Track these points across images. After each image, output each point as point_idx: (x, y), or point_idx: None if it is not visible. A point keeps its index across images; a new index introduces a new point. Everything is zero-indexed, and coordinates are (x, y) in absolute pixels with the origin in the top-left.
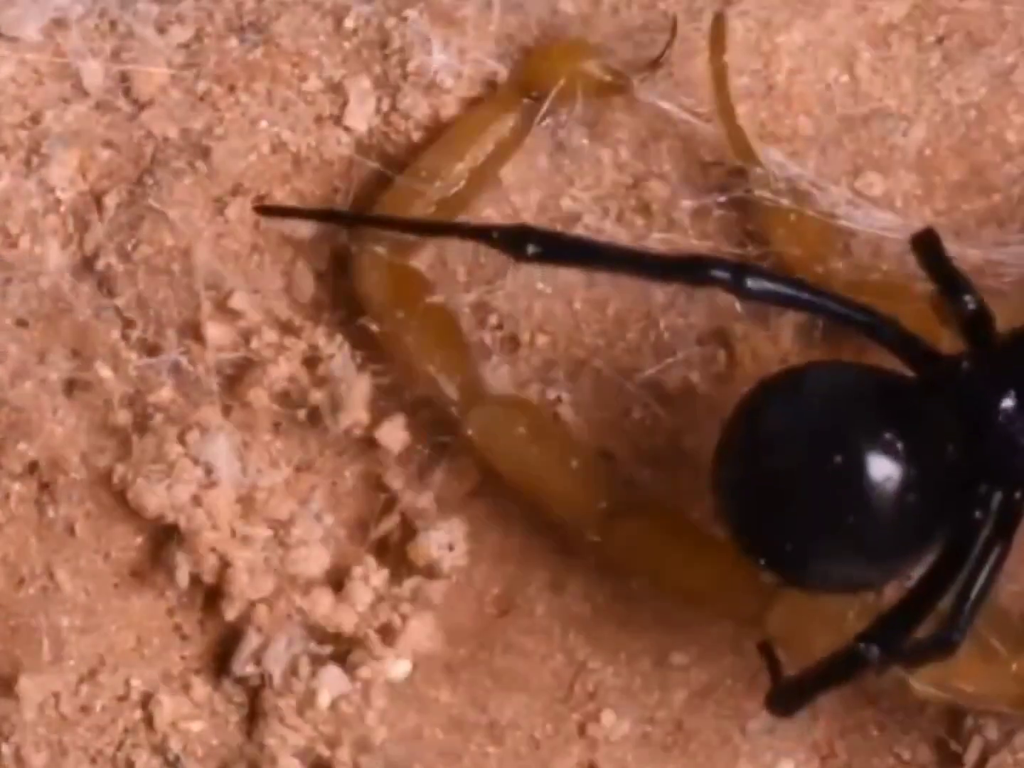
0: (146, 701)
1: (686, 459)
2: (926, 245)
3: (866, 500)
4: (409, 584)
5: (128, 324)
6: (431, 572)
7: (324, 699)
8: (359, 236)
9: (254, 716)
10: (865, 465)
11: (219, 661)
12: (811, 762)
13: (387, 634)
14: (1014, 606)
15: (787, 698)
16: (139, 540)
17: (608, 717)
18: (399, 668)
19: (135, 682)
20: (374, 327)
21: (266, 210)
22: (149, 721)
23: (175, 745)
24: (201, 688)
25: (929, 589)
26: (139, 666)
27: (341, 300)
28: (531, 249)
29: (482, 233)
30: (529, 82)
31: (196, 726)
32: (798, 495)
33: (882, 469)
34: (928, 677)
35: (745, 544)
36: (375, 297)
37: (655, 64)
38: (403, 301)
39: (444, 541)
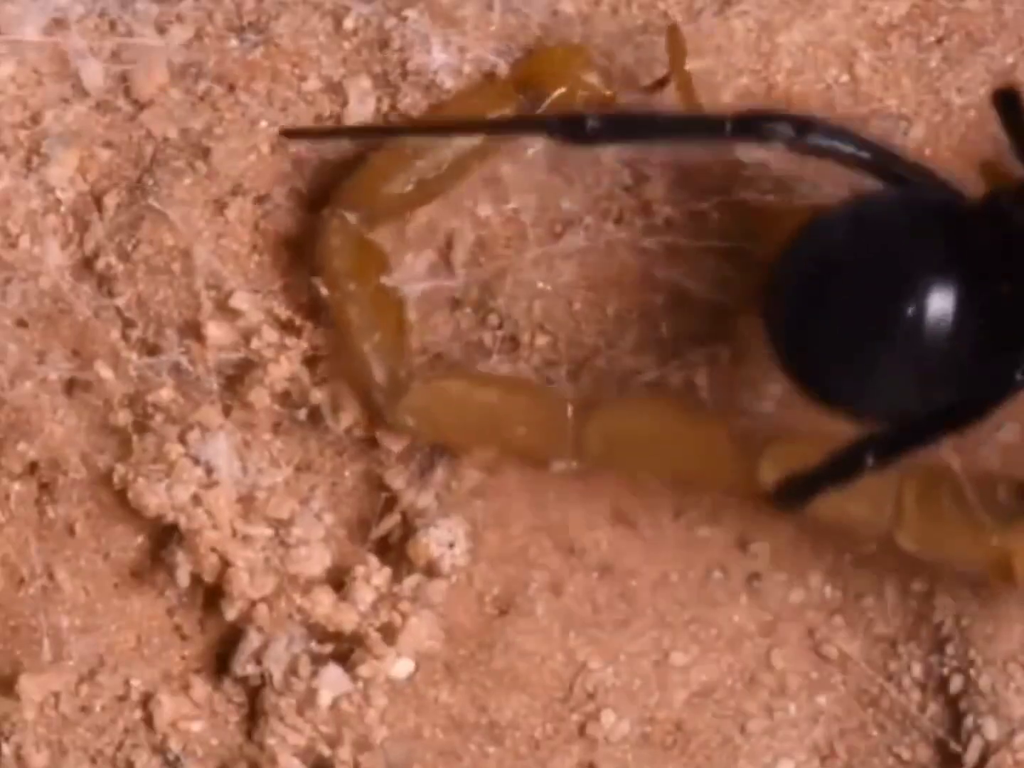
0: (146, 701)
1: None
2: (1007, 101)
3: (922, 329)
4: (409, 583)
5: (128, 324)
6: (431, 570)
7: (325, 698)
8: (336, 202)
9: (254, 716)
10: (921, 294)
11: (219, 661)
12: (811, 762)
13: (388, 633)
14: (1006, 483)
15: (793, 491)
16: (139, 540)
17: (608, 717)
18: (401, 667)
19: (135, 682)
20: (323, 291)
21: (290, 133)
22: (149, 721)
23: (175, 745)
24: (201, 688)
25: (936, 427)
26: (139, 666)
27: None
28: (591, 128)
29: (538, 124)
30: (527, 82)
31: (196, 726)
32: (853, 320)
33: (938, 299)
34: (916, 533)
35: (797, 370)
36: (333, 262)
37: (656, 87)
38: (359, 274)
39: (444, 539)
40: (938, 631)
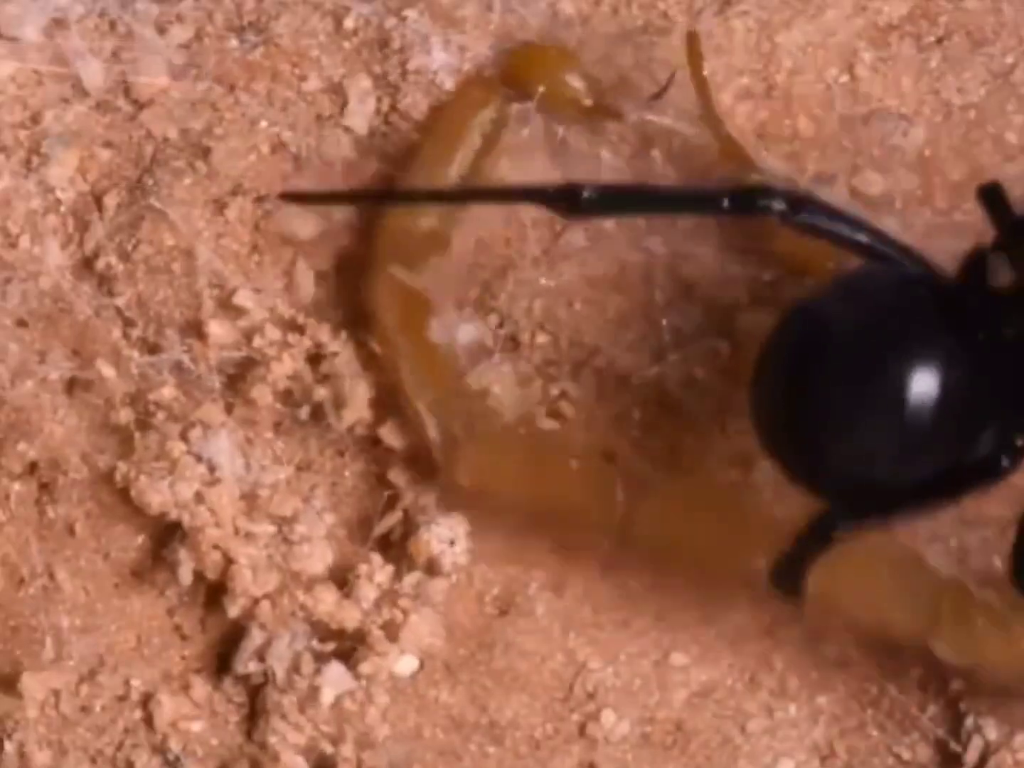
0: (146, 701)
1: (686, 459)
2: (991, 196)
3: (919, 412)
4: (410, 580)
5: (128, 324)
6: (432, 568)
7: (327, 696)
8: (377, 251)
9: (254, 715)
10: (909, 380)
11: (219, 660)
12: (811, 762)
13: (390, 630)
14: None
15: (782, 574)
16: (139, 540)
17: (608, 717)
18: (404, 664)
19: (135, 682)
20: (376, 348)
21: (290, 197)
22: (149, 721)
23: (175, 745)
24: (201, 688)
25: (920, 501)
26: (139, 666)
27: (344, 300)
28: (585, 202)
29: (533, 194)
30: (512, 79)
31: (196, 726)
32: (846, 407)
33: (926, 385)
34: (952, 643)
35: (787, 466)
36: (383, 319)
37: (656, 97)
38: (407, 328)
39: (445, 537)
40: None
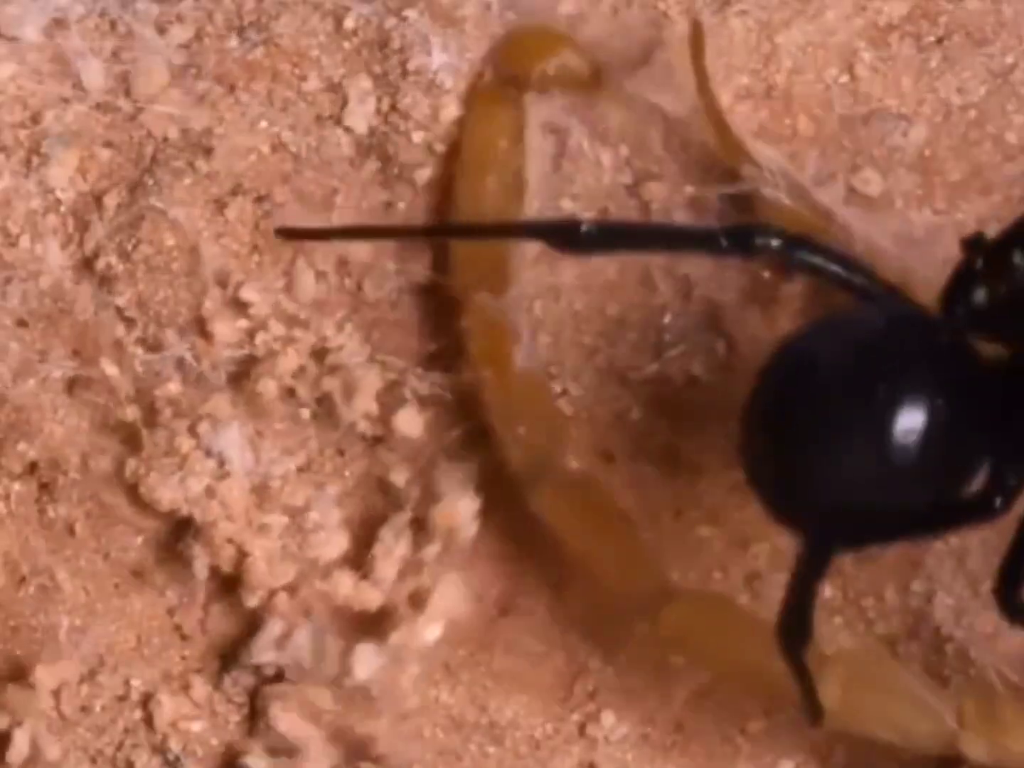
0: (146, 701)
1: (685, 459)
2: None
3: (899, 458)
4: (430, 549)
5: (129, 324)
6: (451, 537)
7: (358, 676)
8: (457, 278)
9: (255, 715)
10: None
11: (220, 660)
12: (811, 763)
13: (416, 601)
14: None
15: (792, 626)
16: (139, 540)
17: (608, 717)
18: (431, 633)
19: (135, 682)
20: (467, 376)
21: (284, 232)
22: (149, 721)
23: (175, 745)
24: (201, 688)
25: (910, 535)
26: (139, 666)
27: (345, 298)
28: (584, 238)
29: (532, 230)
30: (503, 69)
31: (196, 726)
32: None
33: (914, 422)
34: (984, 743)
35: (777, 510)
36: (470, 346)
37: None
38: (494, 358)
39: (470, 509)
40: (938, 631)
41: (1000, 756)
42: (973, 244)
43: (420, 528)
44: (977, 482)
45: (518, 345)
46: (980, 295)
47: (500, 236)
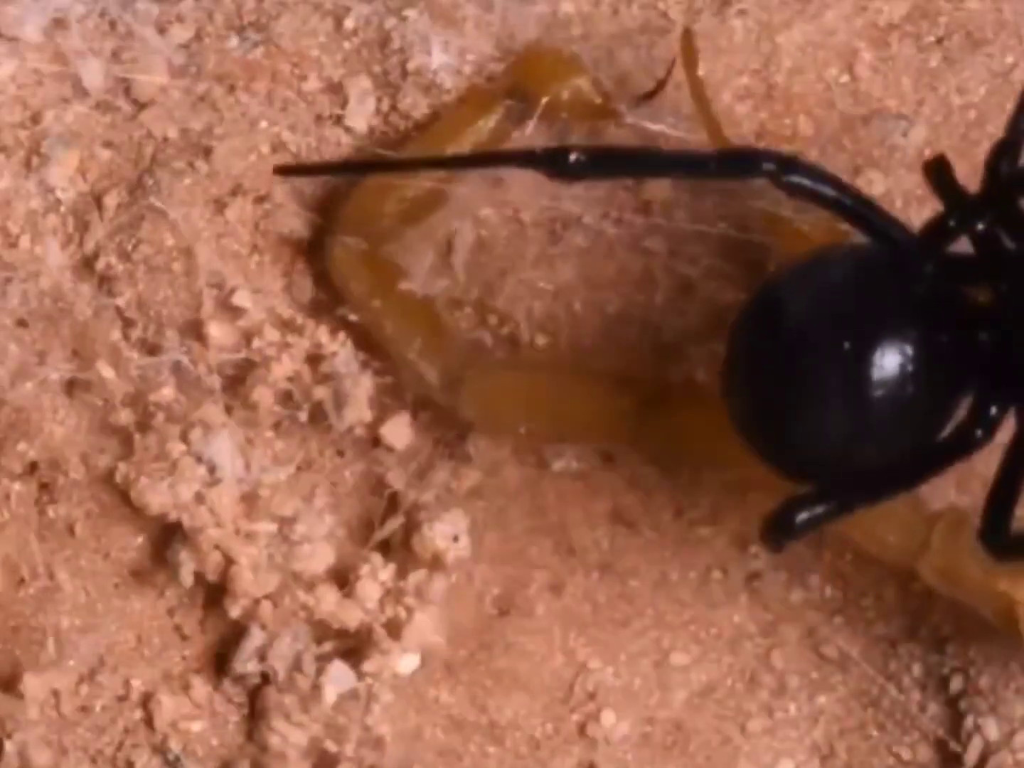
0: (146, 701)
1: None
2: (937, 170)
3: (878, 396)
4: (415, 577)
5: (128, 324)
6: (436, 564)
7: (329, 695)
8: (333, 228)
9: (254, 716)
10: (877, 359)
11: (219, 661)
12: (811, 762)
13: (393, 628)
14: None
15: (772, 534)
16: (139, 540)
17: (608, 717)
18: (407, 663)
19: (135, 682)
20: (353, 317)
21: (283, 170)
22: (149, 721)
23: (175, 745)
24: (201, 688)
25: (896, 477)
26: (139, 666)
27: (342, 301)
28: (575, 162)
29: (521, 157)
30: (516, 87)
31: (196, 726)
32: (814, 390)
33: (895, 362)
34: (938, 568)
35: (758, 448)
36: (351, 288)
37: (649, 96)
38: (378, 290)
39: (448, 533)
40: (938, 631)
41: (950, 587)
42: (934, 168)
43: (408, 549)
44: (958, 416)
45: (405, 280)
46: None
47: (491, 165)
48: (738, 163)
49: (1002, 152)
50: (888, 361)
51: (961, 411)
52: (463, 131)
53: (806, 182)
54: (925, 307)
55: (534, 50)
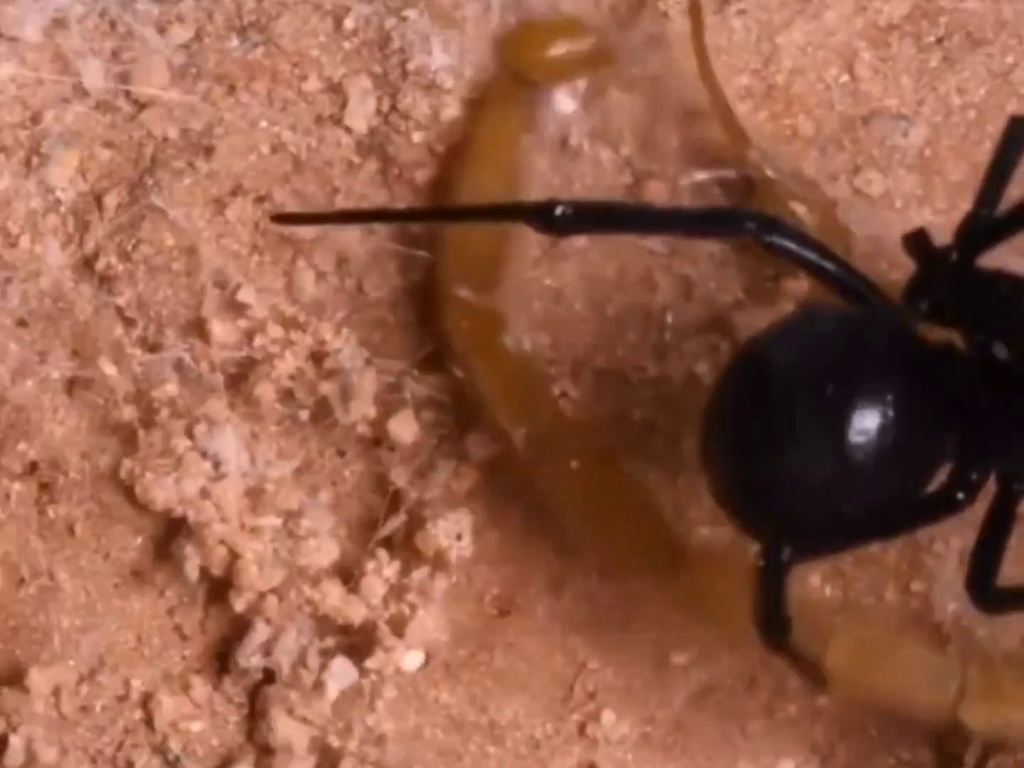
0: (146, 701)
1: (686, 459)
2: (916, 241)
3: (860, 465)
4: (418, 575)
5: (129, 323)
6: (439, 562)
7: (332, 691)
8: (442, 272)
9: (254, 715)
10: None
11: (220, 661)
12: (811, 762)
13: (397, 625)
14: None
15: (769, 624)
16: (139, 540)
17: (608, 717)
18: (410, 660)
19: (135, 682)
20: (457, 372)
21: (279, 218)
22: (149, 721)
23: (175, 745)
24: (201, 688)
25: (872, 533)
26: (139, 666)
27: (344, 299)
28: (560, 219)
29: (512, 211)
30: (515, 68)
31: (196, 726)
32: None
33: (873, 431)
34: (982, 713)
35: (739, 519)
36: (457, 344)
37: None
38: (481, 349)
39: (452, 531)
40: (938, 631)
41: (1000, 725)
42: (914, 241)
43: (411, 547)
44: (939, 479)
45: (506, 333)
46: (940, 292)
47: (485, 218)
48: (720, 221)
49: (969, 224)
50: (868, 423)
51: (943, 475)
52: (498, 132)
53: (787, 244)
54: (904, 371)
55: (520, 26)
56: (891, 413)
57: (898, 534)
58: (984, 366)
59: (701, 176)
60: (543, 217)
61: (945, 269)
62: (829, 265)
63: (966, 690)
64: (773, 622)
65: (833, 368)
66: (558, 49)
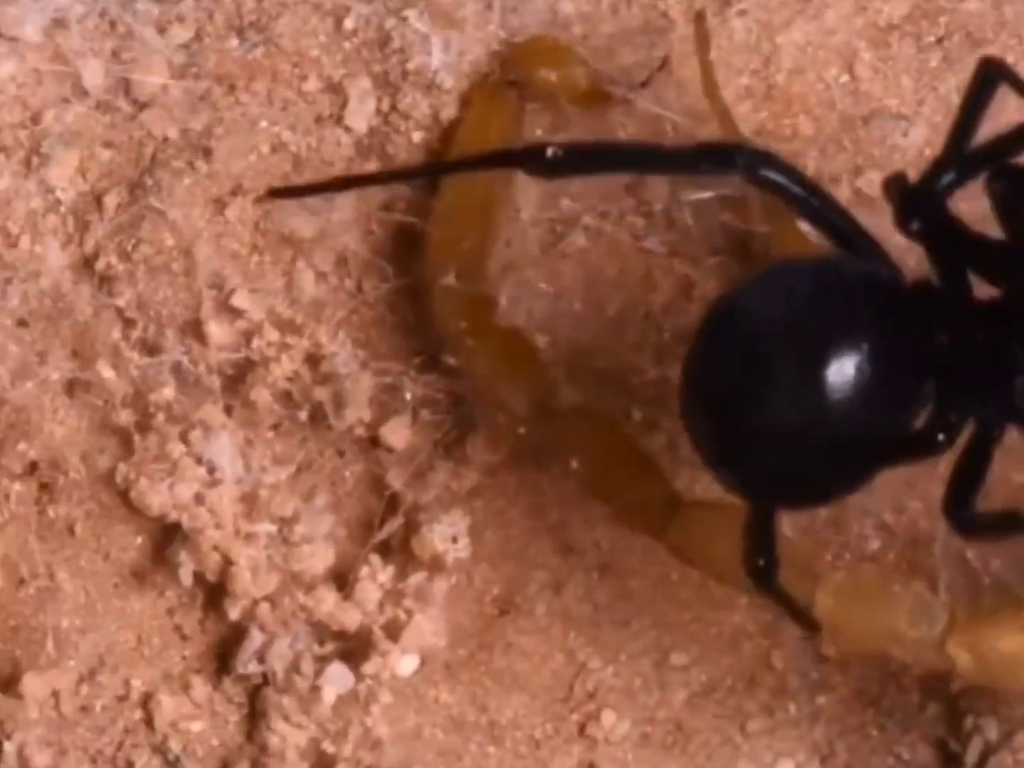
0: (146, 701)
1: (686, 459)
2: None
3: (837, 411)
4: (415, 579)
5: (128, 324)
6: (436, 566)
7: (328, 696)
8: (427, 266)
9: (254, 716)
10: (835, 373)
11: (219, 661)
12: (811, 762)
13: (392, 630)
14: None
15: (758, 563)
16: (139, 540)
17: (608, 717)
18: (406, 664)
19: (135, 682)
20: (451, 360)
21: (277, 192)
22: (149, 721)
23: (175, 745)
24: (201, 688)
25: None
26: (139, 666)
27: (343, 299)
28: (552, 158)
29: (501, 158)
30: (511, 76)
31: (196, 726)
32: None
33: (850, 378)
34: (965, 645)
35: (718, 471)
36: (450, 331)
37: (643, 85)
38: (472, 329)
39: (448, 534)
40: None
41: (987, 656)
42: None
43: (408, 550)
44: (920, 419)
45: (496, 313)
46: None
47: (476, 167)
48: (713, 156)
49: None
50: (845, 367)
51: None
52: (490, 129)
53: (779, 178)
54: (880, 313)
55: (527, 38)
56: (868, 356)
57: (880, 470)
58: (959, 304)
59: (703, 196)
60: (535, 159)
61: (918, 207)
62: (818, 203)
63: (953, 626)
64: (762, 563)
65: (807, 314)
66: (553, 73)
